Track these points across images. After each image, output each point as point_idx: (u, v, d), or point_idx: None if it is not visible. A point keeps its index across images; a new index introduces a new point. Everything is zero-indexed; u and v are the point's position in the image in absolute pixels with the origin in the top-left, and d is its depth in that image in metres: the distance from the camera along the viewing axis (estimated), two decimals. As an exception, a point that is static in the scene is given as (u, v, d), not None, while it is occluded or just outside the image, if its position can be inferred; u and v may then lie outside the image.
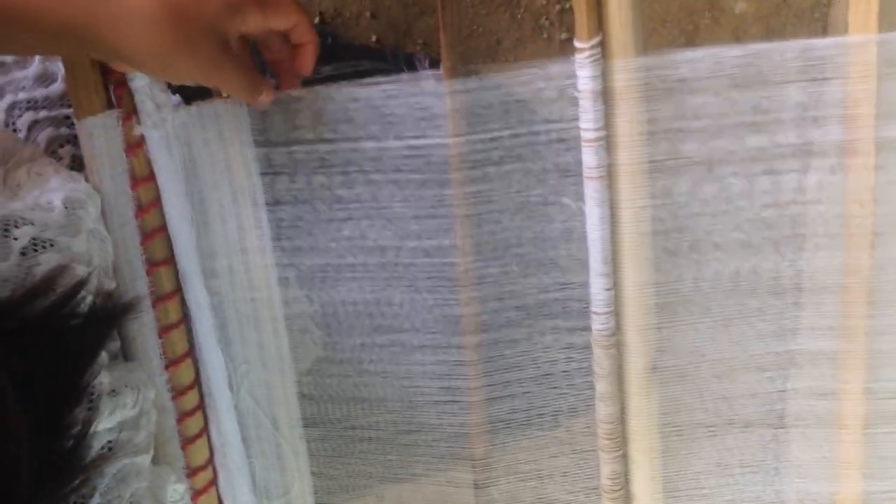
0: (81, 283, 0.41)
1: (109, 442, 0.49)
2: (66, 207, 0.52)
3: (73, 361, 0.37)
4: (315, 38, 0.56)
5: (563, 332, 0.61)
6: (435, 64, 0.69)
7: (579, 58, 0.55)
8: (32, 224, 0.49)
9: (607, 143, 0.56)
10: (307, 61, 0.57)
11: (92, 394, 0.44)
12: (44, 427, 0.36)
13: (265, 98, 0.56)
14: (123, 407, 0.50)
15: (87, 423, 0.39)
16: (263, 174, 0.61)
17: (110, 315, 0.41)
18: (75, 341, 0.38)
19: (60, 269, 0.43)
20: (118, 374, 0.52)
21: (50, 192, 0.53)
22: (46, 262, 0.48)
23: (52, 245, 0.49)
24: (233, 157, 0.61)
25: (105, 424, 0.48)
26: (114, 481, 0.49)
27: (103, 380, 0.49)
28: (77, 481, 0.38)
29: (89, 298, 0.46)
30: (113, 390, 0.50)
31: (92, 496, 0.46)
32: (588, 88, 0.55)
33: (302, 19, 0.54)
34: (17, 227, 0.48)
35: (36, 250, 0.48)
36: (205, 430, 0.65)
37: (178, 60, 0.49)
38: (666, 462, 0.61)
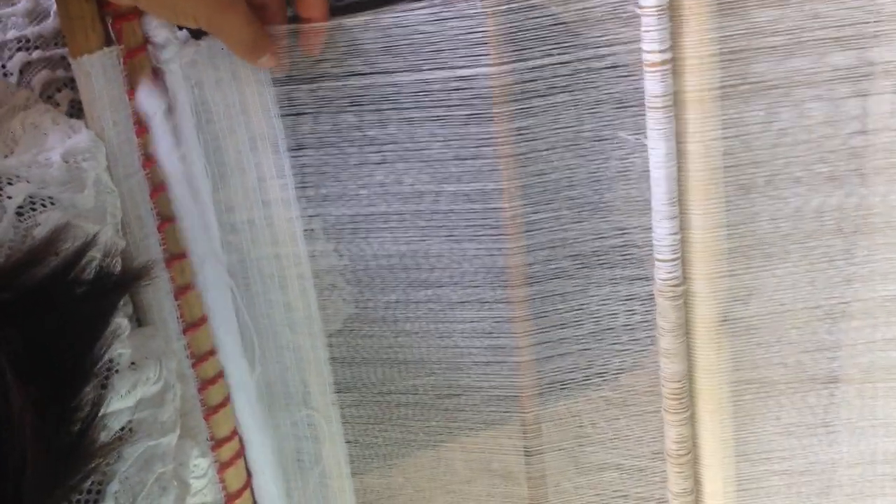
0: (87, 245, 0.37)
1: (130, 422, 0.44)
2: (66, 161, 0.47)
3: (79, 334, 0.33)
4: (325, 11, 0.52)
5: (623, 283, 0.55)
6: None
7: (640, -31, 0.48)
8: (28, 181, 0.44)
9: (673, 67, 0.50)
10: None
11: (105, 369, 0.39)
12: (48, 410, 0.32)
13: (267, 61, 0.52)
14: (145, 382, 0.45)
15: (98, 403, 0.34)
16: (284, 116, 0.56)
17: (121, 280, 0.36)
18: (81, 311, 0.34)
19: (62, 229, 0.39)
20: (137, 344, 0.47)
21: (47, 150, 0.48)
22: (46, 221, 0.43)
23: (52, 203, 0.44)
24: (249, 98, 0.56)
25: (124, 402, 0.43)
26: (135, 465, 0.44)
27: (122, 351, 0.44)
28: (88, 468, 0.34)
29: (97, 261, 0.41)
30: (133, 363, 0.45)
31: (110, 482, 0.41)
32: (652, 3, 0.48)
33: None
34: (10, 184, 0.43)
35: (35, 209, 0.43)
36: (229, 398, 0.61)
37: None
38: (738, 424, 0.57)
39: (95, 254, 0.37)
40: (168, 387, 0.48)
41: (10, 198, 0.41)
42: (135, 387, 0.44)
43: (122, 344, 0.44)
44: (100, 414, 0.35)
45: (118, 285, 0.36)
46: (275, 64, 0.53)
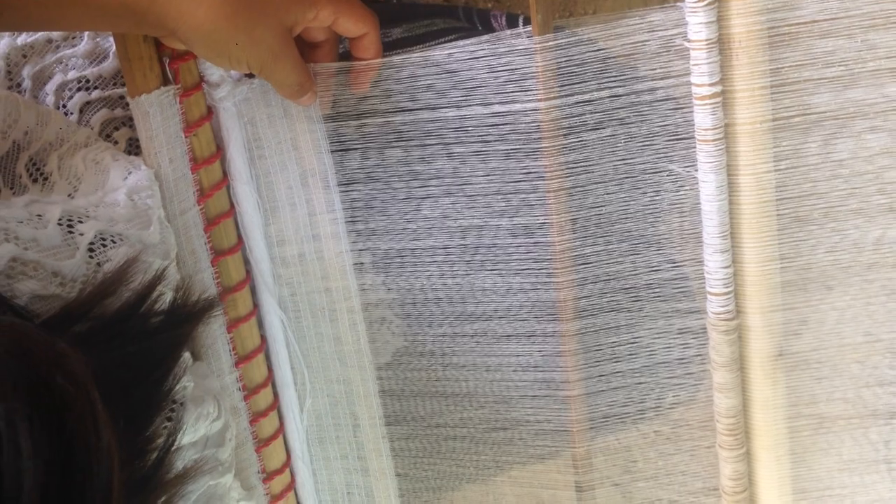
0: (157, 278, 0.37)
1: (194, 460, 0.44)
2: (131, 199, 0.48)
3: (153, 365, 0.33)
4: (380, 53, 0.53)
5: (676, 316, 0.54)
6: (512, 20, 0.63)
7: (690, 3, 0.48)
8: (96, 220, 0.45)
9: (724, 99, 0.49)
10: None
11: (174, 401, 0.39)
12: (125, 441, 0.32)
13: (308, 99, 0.53)
14: (206, 417, 0.45)
15: (172, 434, 0.34)
16: (334, 151, 0.56)
17: (191, 313, 0.36)
18: (155, 343, 0.34)
19: (132, 263, 0.39)
20: (196, 380, 0.47)
21: (112, 189, 0.49)
22: (115, 257, 0.44)
23: (121, 239, 0.45)
24: (300, 135, 0.56)
25: (189, 438, 0.44)
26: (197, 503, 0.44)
27: (187, 384, 0.44)
28: (160, 502, 0.34)
29: (168, 295, 0.41)
30: (196, 397, 0.46)
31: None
32: (701, 37, 0.48)
33: (373, 30, 0.51)
34: (81, 222, 0.44)
35: (105, 245, 0.44)
36: (281, 430, 0.61)
37: (237, 46, 0.47)
38: (795, 460, 0.55)
39: (164, 287, 0.37)
40: (227, 426, 0.48)
41: (81, 234, 0.42)
42: (197, 421, 0.44)
43: (186, 377, 0.44)
44: (173, 446, 0.35)
45: (190, 317, 0.36)
46: (313, 101, 0.54)
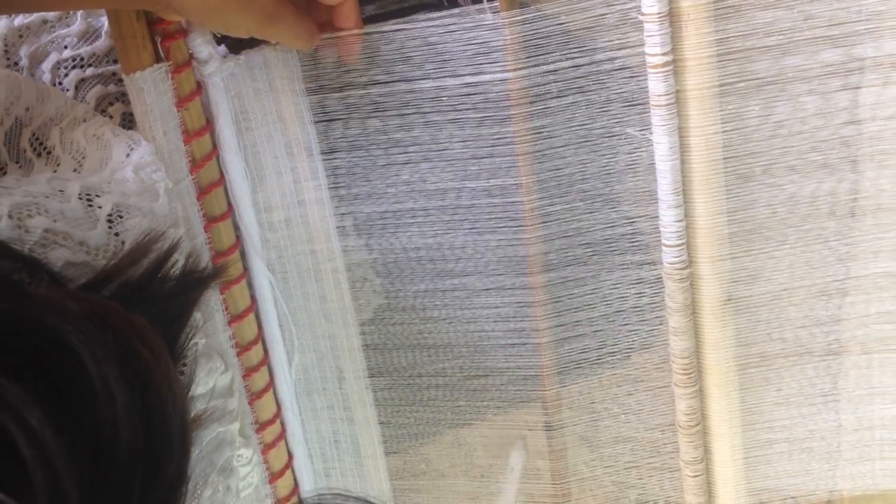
0: (174, 247, 0.41)
1: (205, 409, 0.48)
2: (137, 175, 0.51)
3: (169, 326, 0.37)
4: (360, 22, 0.55)
5: (633, 268, 0.59)
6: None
7: (642, -22, 0.52)
8: (111, 193, 0.48)
9: (675, 67, 0.54)
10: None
11: (186, 357, 0.43)
12: None
13: (315, 42, 0.55)
14: (216, 371, 0.49)
15: (188, 386, 0.38)
16: (317, 122, 0.60)
17: (202, 278, 0.40)
18: (171, 305, 0.38)
19: (154, 233, 0.43)
20: (207, 338, 0.51)
21: (120, 167, 0.52)
22: (133, 227, 0.47)
23: (136, 211, 0.48)
24: (285, 107, 0.60)
25: (200, 389, 0.48)
26: (208, 448, 0.48)
27: (198, 341, 0.48)
28: None
29: (180, 260, 0.45)
30: (206, 353, 0.50)
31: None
32: (654, 10, 0.52)
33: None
34: (98, 196, 0.48)
35: (122, 217, 0.48)
36: (271, 383, 0.65)
37: (231, 12, 0.49)
38: (743, 396, 0.60)
39: (180, 255, 0.41)
40: (234, 379, 0.52)
41: (100, 207, 0.46)
42: (208, 375, 0.48)
43: (198, 335, 0.48)
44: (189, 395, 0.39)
45: (200, 282, 0.39)
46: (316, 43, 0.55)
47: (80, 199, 0.45)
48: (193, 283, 0.37)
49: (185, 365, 0.43)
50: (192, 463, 0.30)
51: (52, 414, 0.25)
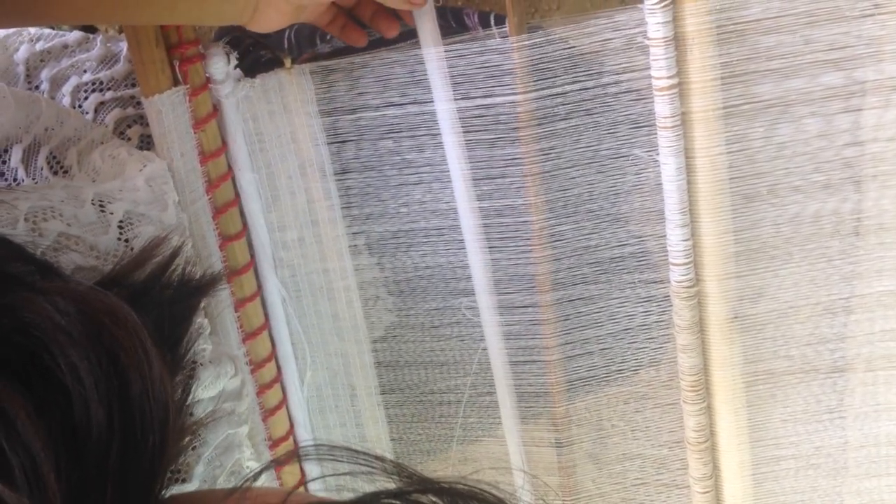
0: (176, 253, 0.42)
1: (213, 411, 0.50)
2: (149, 185, 0.53)
3: (170, 330, 0.38)
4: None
5: (641, 286, 0.60)
6: (484, 17, 0.68)
7: (649, 4, 0.53)
8: (123, 201, 0.50)
9: (680, 90, 0.55)
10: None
11: (192, 361, 0.44)
12: None
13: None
14: (225, 375, 0.50)
15: (187, 391, 0.39)
16: (330, 143, 0.61)
17: (200, 285, 0.41)
18: (171, 310, 0.39)
19: (159, 240, 0.44)
20: (214, 345, 0.53)
21: (131, 178, 0.54)
22: (142, 234, 0.49)
23: (145, 219, 0.50)
24: (299, 128, 0.61)
25: (208, 392, 0.49)
26: (217, 450, 0.49)
27: (205, 346, 0.49)
28: (180, 445, 0.39)
29: (180, 268, 0.46)
30: (214, 359, 0.51)
31: (196, 464, 0.46)
32: (659, 35, 0.54)
33: None
34: (110, 203, 0.49)
35: (132, 223, 0.49)
36: (284, 401, 0.66)
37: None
38: (751, 412, 0.61)
39: (181, 262, 0.42)
40: (244, 383, 0.53)
41: (112, 213, 0.47)
42: (217, 378, 0.49)
43: (204, 341, 0.49)
44: (189, 399, 0.40)
45: (199, 289, 0.40)
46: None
47: (93, 204, 0.46)
48: (191, 291, 0.38)
49: (193, 370, 0.44)
50: (185, 447, 0.31)
51: (26, 396, 0.26)
